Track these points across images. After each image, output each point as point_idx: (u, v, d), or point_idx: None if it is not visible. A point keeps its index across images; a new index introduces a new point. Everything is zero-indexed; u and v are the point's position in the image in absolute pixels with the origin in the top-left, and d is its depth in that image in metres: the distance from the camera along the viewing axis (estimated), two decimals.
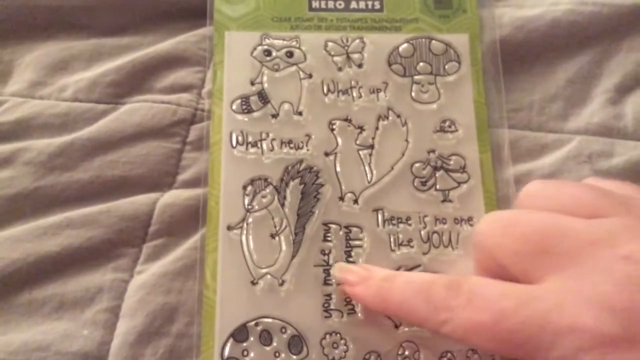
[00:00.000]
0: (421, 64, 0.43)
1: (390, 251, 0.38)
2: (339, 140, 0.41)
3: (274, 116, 0.41)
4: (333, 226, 0.39)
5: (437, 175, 0.40)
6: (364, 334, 0.37)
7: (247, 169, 0.40)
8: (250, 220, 0.39)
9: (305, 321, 0.37)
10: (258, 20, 0.44)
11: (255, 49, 0.43)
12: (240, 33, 0.43)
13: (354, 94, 0.42)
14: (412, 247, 0.39)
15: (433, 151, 0.41)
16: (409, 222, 0.39)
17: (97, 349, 0.36)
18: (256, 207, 0.39)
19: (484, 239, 0.32)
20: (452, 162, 0.41)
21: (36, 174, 0.41)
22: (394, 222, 0.39)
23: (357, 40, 0.43)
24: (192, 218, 0.39)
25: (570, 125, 0.43)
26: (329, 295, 0.37)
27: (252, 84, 0.42)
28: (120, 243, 0.39)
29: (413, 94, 0.42)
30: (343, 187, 0.40)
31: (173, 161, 0.42)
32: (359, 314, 0.37)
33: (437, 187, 0.40)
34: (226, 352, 0.36)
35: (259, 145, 0.40)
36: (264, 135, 0.41)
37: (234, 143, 0.40)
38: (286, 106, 0.41)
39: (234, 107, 0.41)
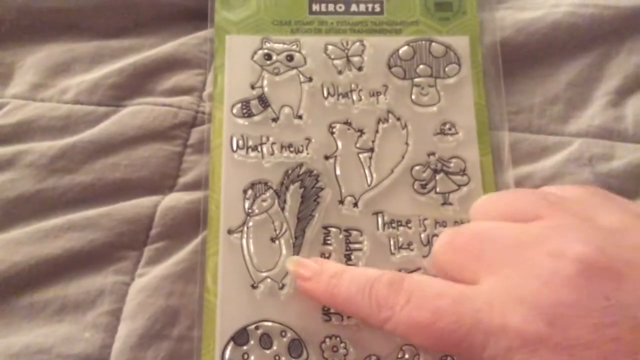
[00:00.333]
0: (421, 66, 0.43)
1: (390, 254, 0.39)
2: (339, 143, 0.41)
3: (274, 120, 0.41)
4: (333, 229, 0.39)
5: (437, 178, 0.40)
6: (363, 338, 0.37)
7: (247, 173, 0.40)
8: (250, 224, 0.39)
9: (305, 325, 0.37)
10: (258, 23, 0.44)
11: (255, 52, 0.43)
12: (241, 37, 0.43)
13: (354, 97, 0.42)
14: (412, 250, 0.39)
15: (433, 154, 0.41)
16: (409, 225, 0.39)
17: (98, 352, 0.36)
18: (256, 210, 0.39)
19: (436, 258, 0.33)
20: (452, 165, 0.41)
21: (38, 176, 0.41)
22: (393, 225, 0.39)
23: (357, 43, 0.43)
24: (193, 221, 0.39)
25: (571, 128, 0.43)
26: None
27: (253, 88, 0.42)
28: (122, 246, 0.39)
29: (413, 96, 0.42)
30: (343, 191, 0.40)
31: (174, 164, 0.42)
32: None
33: (437, 190, 0.40)
34: (227, 356, 0.36)
35: (259, 149, 0.40)
36: (264, 139, 0.41)
37: (235, 147, 0.40)
38: (286, 110, 0.42)
39: (235, 111, 0.41)
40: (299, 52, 0.43)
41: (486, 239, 0.30)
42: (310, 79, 0.42)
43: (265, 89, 0.42)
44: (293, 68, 0.43)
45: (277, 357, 0.36)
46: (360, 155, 0.41)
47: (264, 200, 0.39)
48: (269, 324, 0.37)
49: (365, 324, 0.36)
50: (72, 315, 0.37)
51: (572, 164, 0.41)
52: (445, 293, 0.29)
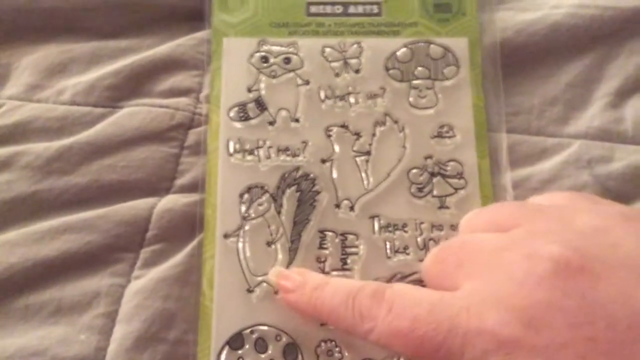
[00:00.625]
0: (419, 68, 0.43)
1: (387, 258, 0.38)
2: (336, 147, 0.41)
3: (271, 123, 0.41)
4: (329, 233, 0.39)
5: (434, 181, 0.40)
6: (358, 342, 0.36)
7: (243, 177, 0.40)
8: (246, 228, 0.39)
9: (301, 329, 0.37)
10: (256, 26, 0.44)
11: (252, 55, 0.43)
12: (238, 39, 0.43)
13: (351, 100, 0.42)
14: (408, 254, 0.39)
15: (430, 157, 0.41)
16: (405, 229, 0.39)
17: (93, 354, 0.36)
18: (253, 214, 0.39)
19: (424, 271, 0.33)
20: (449, 168, 0.40)
21: (34, 178, 0.41)
22: (390, 229, 0.39)
23: (355, 45, 0.43)
24: (189, 224, 0.39)
25: (570, 129, 0.43)
26: None
27: (250, 91, 0.42)
28: (118, 248, 0.39)
29: (411, 99, 0.42)
30: (339, 194, 0.40)
31: (171, 166, 0.42)
32: None
33: (434, 193, 0.40)
34: None
35: (255, 152, 0.40)
36: (260, 143, 0.41)
37: (231, 151, 0.40)
38: (283, 113, 0.41)
39: (231, 114, 0.41)
40: (296, 54, 0.43)
41: (467, 247, 0.31)
42: (307, 82, 0.42)
43: (262, 92, 0.42)
44: (290, 71, 0.43)
45: None
46: (357, 159, 0.40)
47: (260, 204, 0.39)
48: (264, 328, 0.37)
49: (350, 335, 0.36)
50: (67, 317, 0.37)
51: (571, 166, 0.41)
52: (423, 300, 0.29)
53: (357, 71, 0.43)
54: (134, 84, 0.44)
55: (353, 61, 0.43)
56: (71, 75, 0.45)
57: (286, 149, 0.40)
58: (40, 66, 0.45)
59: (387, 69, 0.43)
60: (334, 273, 0.38)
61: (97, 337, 0.37)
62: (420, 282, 0.37)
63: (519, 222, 0.30)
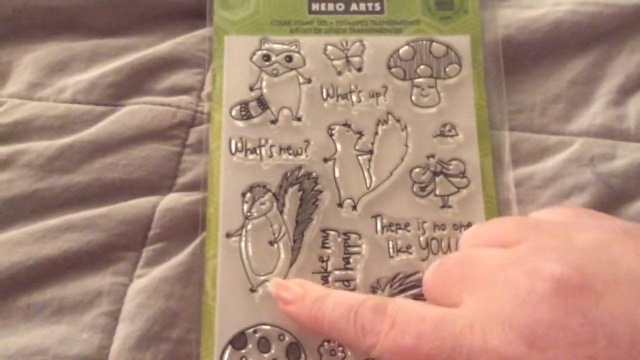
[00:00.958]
0: (421, 66, 0.43)
1: (389, 258, 0.38)
2: (338, 145, 0.41)
3: (273, 122, 0.41)
4: (332, 233, 0.39)
5: (436, 180, 0.40)
6: None
7: (246, 176, 0.40)
8: (249, 227, 0.39)
9: (304, 328, 0.37)
10: (258, 24, 0.43)
11: (254, 54, 0.43)
12: (240, 37, 0.43)
13: (354, 99, 0.42)
14: (410, 253, 0.39)
15: (433, 156, 0.41)
16: (408, 228, 0.39)
17: (96, 353, 0.36)
18: (255, 214, 0.39)
19: (425, 286, 0.33)
20: (452, 167, 0.40)
21: (35, 176, 0.41)
22: (392, 228, 0.39)
23: (357, 44, 0.43)
24: (192, 223, 0.39)
25: (572, 127, 0.43)
26: None
27: (252, 89, 0.42)
28: (120, 247, 0.39)
29: (413, 97, 0.42)
30: (342, 193, 0.40)
31: (173, 164, 0.41)
32: None
33: (437, 192, 0.40)
34: (225, 359, 0.36)
35: (258, 151, 0.40)
36: (262, 142, 0.40)
37: (233, 150, 0.40)
38: (285, 112, 0.41)
39: (233, 113, 0.41)
40: (298, 52, 0.43)
41: (469, 262, 0.31)
42: (310, 80, 0.42)
43: (264, 91, 0.42)
44: (292, 69, 0.42)
45: None
46: (360, 158, 0.40)
47: (262, 203, 0.39)
48: (267, 327, 0.37)
49: (351, 350, 0.36)
50: (70, 316, 0.37)
51: (574, 164, 0.41)
52: (427, 317, 0.29)
53: (359, 69, 0.43)
54: (135, 82, 0.44)
55: (355, 59, 0.43)
56: (72, 74, 0.45)
57: (288, 148, 0.40)
58: (41, 64, 0.45)
59: (390, 67, 0.43)
60: (336, 272, 0.38)
61: (100, 336, 0.37)
62: (422, 283, 0.37)
63: (521, 239, 0.30)
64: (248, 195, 0.39)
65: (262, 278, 0.38)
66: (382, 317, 0.30)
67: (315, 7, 0.44)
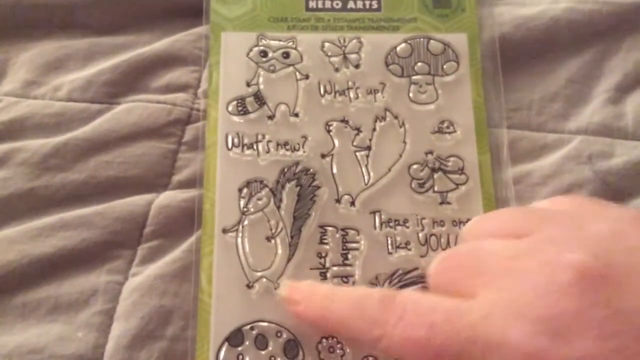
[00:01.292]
0: (419, 64, 0.43)
1: (388, 254, 0.38)
2: (336, 141, 0.41)
3: (270, 118, 0.41)
4: (329, 229, 0.38)
5: (435, 177, 0.40)
6: None
7: (242, 171, 0.39)
8: (245, 222, 0.38)
9: (301, 325, 0.36)
10: (255, 20, 0.43)
11: (251, 49, 0.43)
12: (237, 34, 0.43)
13: (351, 95, 0.42)
14: (409, 249, 0.38)
15: (431, 152, 0.40)
16: (407, 224, 0.39)
17: (91, 352, 0.36)
18: (252, 209, 0.39)
19: (431, 280, 0.32)
20: (450, 164, 0.40)
21: (30, 174, 0.40)
22: (391, 224, 0.39)
23: (355, 41, 0.43)
24: (187, 220, 0.39)
25: (570, 125, 0.43)
26: None
27: (248, 85, 0.42)
28: (115, 244, 0.39)
29: (411, 94, 0.42)
30: (340, 189, 0.39)
31: (168, 161, 0.41)
32: None
33: (435, 189, 0.40)
34: (221, 357, 0.36)
35: (254, 147, 0.40)
36: (259, 137, 0.40)
37: (230, 145, 0.40)
38: (282, 107, 0.41)
39: (230, 108, 0.41)
40: (295, 49, 0.43)
41: (480, 254, 0.30)
42: (307, 77, 0.42)
43: (261, 87, 0.42)
44: (289, 65, 0.42)
45: (272, 358, 0.36)
46: (358, 154, 0.40)
47: (259, 199, 0.39)
48: (265, 324, 0.36)
49: (360, 345, 0.36)
50: (65, 314, 0.37)
51: (572, 161, 0.41)
52: (439, 307, 0.28)
53: (356, 66, 0.42)
54: (131, 80, 0.44)
55: (353, 56, 0.43)
56: (68, 72, 0.45)
57: (285, 144, 0.40)
58: (36, 62, 0.45)
59: (387, 64, 0.43)
60: (335, 268, 0.38)
61: (95, 335, 0.36)
62: (421, 279, 0.37)
63: (529, 229, 0.29)
64: (245, 190, 0.39)
65: (259, 274, 0.37)
66: (389, 308, 0.29)
67: (312, 4, 0.44)
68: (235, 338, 0.36)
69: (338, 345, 0.36)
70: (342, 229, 0.38)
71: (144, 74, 0.44)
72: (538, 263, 0.27)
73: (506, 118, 0.42)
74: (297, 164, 0.40)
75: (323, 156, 0.40)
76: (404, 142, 0.41)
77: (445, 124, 0.41)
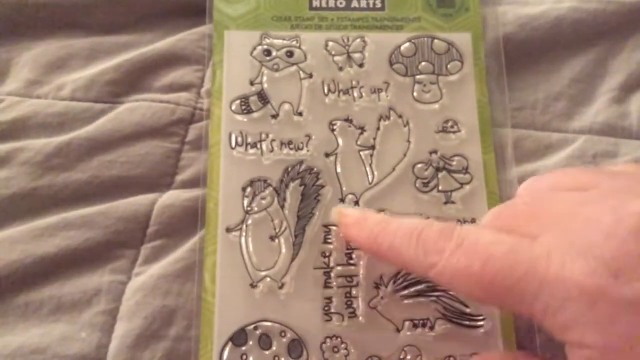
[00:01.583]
0: (423, 63, 0.43)
1: None
2: (340, 140, 0.40)
3: (274, 117, 0.41)
4: (334, 228, 0.38)
5: (439, 176, 0.40)
6: (364, 338, 0.36)
7: (246, 170, 0.39)
8: (249, 222, 0.38)
9: (305, 325, 0.36)
10: (258, 19, 0.43)
11: (255, 48, 0.42)
12: (240, 32, 0.43)
13: (355, 94, 0.42)
14: None
15: (435, 152, 0.40)
16: None
17: (94, 352, 0.36)
18: (255, 208, 0.38)
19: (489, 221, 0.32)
20: (454, 163, 0.40)
21: (33, 174, 0.40)
22: None
23: (358, 40, 0.43)
24: (191, 219, 0.39)
25: (574, 125, 0.43)
26: (329, 298, 0.37)
27: (252, 84, 0.42)
28: (118, 244, 0.39)
29: (415, 93, 0.42)
30: (344, 189, 0.39)
31: (172, 161, 0.41)
32: (360, 318, 0.37)
33: (440, 188, 0.40)
34: (225, 356, 0.36)
35: (258, 146, 0.40)
36: (263, 136, 0.40)
37: (233, 144, 0.40)
38: (286, 106, 0.41)
39: (234, 107, 0.41)
40: (299, 48, 0.43)
41: (542, 202, 0.30)
42: (311, 75, 0.42)
43: (265, 85, 0.42)
44: (293, 64, 0.42)
45: (276, 358, 0.36)
46: (362, 153, 0.40)
47: (263, 198, 0.39)
48: (268, 324, 0.36)
49: (409, 271, 0.36)
50: (68, 314, 0.37)
51: (576, 161, 0.41)
52: (499, 241, 0.28)
53: (360, 65, 0.42)
54: (134, 79, 0.44)
55: (356, 55, 0.43)
56: (71, 71, 0.44)
57: (289, 143, 0.40)
58: (39, 62, 0.45)
59: (391, 64, 0.43)
60: (339, 268, 0.38)
61: (98, 335, 0.36)
62: (427, 280, 0.37)
63: (594, 183, 0.29)
64: (248, 189, 0.39)
65: (263, 273, 0.37)
66: (449, 237, 0.29)
67: (316, 3, 0.44)
68: (239, 338, 0.36)
69: (342, 345, 0.36)
70: None
71: (147, 73, 0.44)
72: (603, 207, 0.27)
73: (510, 117, 0.42)
74: (300, 163, 0.40)
75: (327, 155, 0.40)
76: (408, 141, 0.41)
77: (450, 123, 0.41)
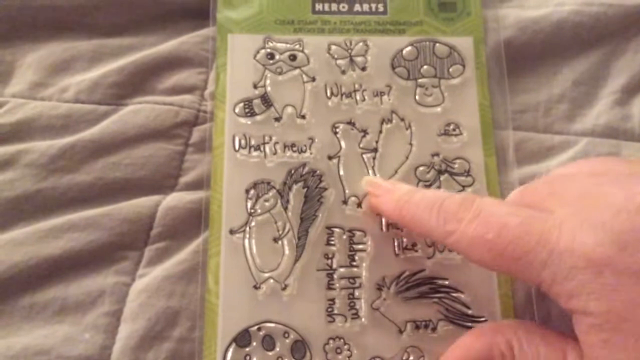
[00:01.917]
0: (425, 67, 0.43)
1: (395, 255, 0.38)
2: (343, 143, 0.41)
3: (277, 119, 0.41)
4: (336, 230, 0.38)
5: (441, 179, 0.40)
6: (367, 339, 0.36)
7: (249, 173, 0.39)
8: (253, 224, 0.38)
9: (309, 326, 0.36)
10: (261, 23, 0.43)
11: (258, 52, 0.43)
12: (243, 36, 0.43)
13: (358, 97, 0.42)
14: (416, 251, 0.38)
15: (437, 155, 0.41)
16: None
17: (98, 353, 0.36)
18: (259, 210, 0.39)
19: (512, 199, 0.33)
20: (456, 166, 0.40)
21: (38, 176, 0.40)
22: (398, 226, 0.39)
23: (361, 43, 0.43)
24: (194, 221, 0.39)
25: (576, 127, 0.43)
26: (332, 299, 0.37)
27: (255, 87, 0.42)
28: (122, 246, 0.39)
29: (417, 97, 0.42)
30: (347, 191, 0.39)
31: (175, 163, 0.41)
32: (363, 319, 0.37)
33: (442, 190, 0.40)
34: (228, 357, 0.36)
35: (261, 148, 0.40)
36: (266, 139, 0.40)
37: (237, 146, 0.40)
38: (289, 109, 0.41)
39: (237, 110, 0.41)
40: (302, 51, 0.43)
41: (559, 180, 0.31)
42: (314, 79, 0.42)
43: (268, 89, 0.42)
44: (296, 67, 0.42)
45: (279, 359, 0.36)
46: (364, 156, 0.40)
47: (266, 200, 0.39)
48: (272, 325, 0.36)
49: (429, 238, 0.38)
50: (72, 316, 0.37)
51: None
52: (515, 213, 0.29)
53: (363, 69, 0.43)
54: (138, 82, 0.44)
55: (359, 59, 0.43)
56: (75, 73, 0.45)
57: (292, 145, 0.40)
58: (43, 64, 0.45)
59: (394, 67, 0.43)
60: (342, 270, 0.38)
61: (102, 336, 0.36)
62: (429, 280, 0.37)
63: (610, 169, 0.31)
64: (252, 192, 0.39)
65: (266, 275, 0.37)
66: (468, 207, 0.31)
67: (318, 7, 0.44)
68: (242, 339, 0.36)
69: (345, 347, 0.36)
70: (349, 231, 0.39)
71: (150, 76, 0.44)
72: (616, 187, 0.28)
73: (512, 120, 0.42)
74: (304, 165, 0.40)
75: (330, 158, 0.40)
76: (410, 144, 0.41)
77: (452, 127, 0.41)
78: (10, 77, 0.45)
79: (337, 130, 0.41)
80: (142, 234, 0.39)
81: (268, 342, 0.36)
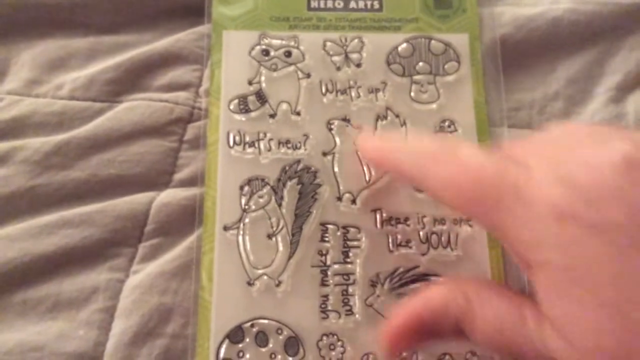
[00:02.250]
0: (420, 63, 0.43)
1: (389, 252, 0.38)
2: (337, 140, 0.41)
3: (272, 116, 0.41)
4: (330, 226, 0.38)
5: None
6: (361, 336, 0.36)
7: (244, 169, 0.39)
8: (247, 220, 0.38)
9: (302, 322, 0.36)
10: (256, 19, 0.43)
11: (253, 48, 0.43)
12: (239, 32, 0.43)
13: (353, 94, 0.42)
14: (410, 248, 0.38)
15: None
16: (408, 222, 0.39)
17: (92, 350, 0.36)
18: (253, 207, 0.39)
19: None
20: None
21: (32, 172, 0.40)
22: (392, 222, 0.39)
23: (356, 40, 0.43)
24: (188, 218, 0.39)
25: None
26: (326, 296, 0.37)
27: (250, 83, 0.42)
28: (116, 242, 0.39)
29: (412, 94, 0.42)
30: (341, 187, 0.39)
31: (170, 160, 0.41)
32: (357, 315, 0.37)
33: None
34: (222, 353, 0.36)
35: (256, 145, 0.40)
36: (261, 135, 0.40)
37: (231, 143, 0.40)
38: (284, 106, 0.41)
39: (232, 106, 0.41)
40: (297, 48, 0.43)
41: (539, 140, 0.30)
42: (309, 75, 0.42)
43: (263, 85, 0.42)
44: (291, 64, 0.42)
45: (273, 355, 0.36)
46: (359, 152, 0.40)
47: (260, 197, 0.39)
48: (265, 321, 0.36)
49: (406, 182, 0.38)
50: (65, 312, 0.37)
51: None
52: (493, 160, 0.29)
53: (358, 65, 0.42)
54: (133, 79, 0.44)
55: (354, 55, 0.43)
56: (70, 70, 0.45)
57: (287, 142, 0.40)
58: (38, 61, 0.45)
59: (389, 64, 0.43)
60: (336, 266, 0.38)
61: (96, 332, 0.36)
62: (423, 276, 0.37)
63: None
64: (246, 188, 0.39)
65: (260, 271, 0.37)
66: (446, 150, 0.30)
67: (314, 3, 0.44)
68: (235, 335, 0.36)
69: (339, 343, 0.36)
70: (343, 227, 0.38)
71: (145, 73, 0.44)
72: (591, 144, 0.27)
73: (507, 117, 0.42)
74: (298, 162, 0.40)
75: (324, 154, 0.40)
76: None
77: (447, 123, 0.41)
78: (6, 74, 0.45)
79: (332, 126, 0.41)
80: (136, 230, 0.39)
81: (261, 338, 0.36)
